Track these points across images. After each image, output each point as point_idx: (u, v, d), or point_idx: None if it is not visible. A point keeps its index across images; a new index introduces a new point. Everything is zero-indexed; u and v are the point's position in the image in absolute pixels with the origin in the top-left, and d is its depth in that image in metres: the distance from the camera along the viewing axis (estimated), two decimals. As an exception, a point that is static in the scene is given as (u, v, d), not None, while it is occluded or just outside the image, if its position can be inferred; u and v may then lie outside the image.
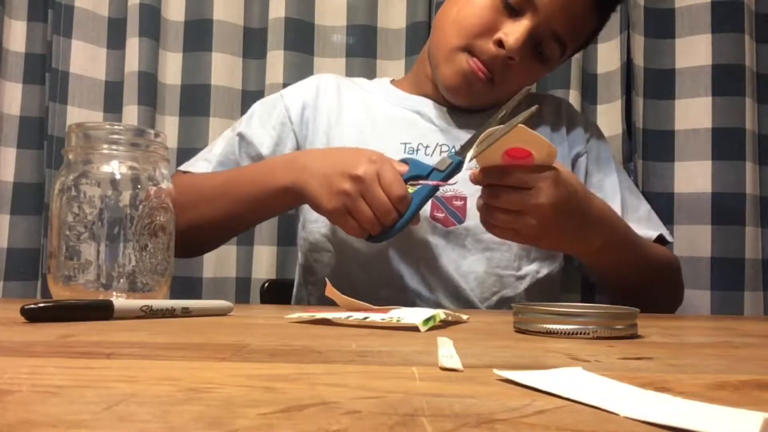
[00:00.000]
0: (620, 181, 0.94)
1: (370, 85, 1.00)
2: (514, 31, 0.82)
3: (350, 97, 0.96)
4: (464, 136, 0.91)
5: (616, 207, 0.90)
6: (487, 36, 0.83)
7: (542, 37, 0.84)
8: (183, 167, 0.95)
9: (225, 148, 0.93)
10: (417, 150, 0.90)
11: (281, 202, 0.83)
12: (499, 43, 0.83)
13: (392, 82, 1.01)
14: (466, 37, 0.84)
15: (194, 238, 0.84)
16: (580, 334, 0.46)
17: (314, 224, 0.90)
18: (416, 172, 0.74)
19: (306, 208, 0.92)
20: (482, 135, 0.67)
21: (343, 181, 0.72)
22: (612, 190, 0.93)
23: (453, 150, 0.89)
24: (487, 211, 0.72)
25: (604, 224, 0.77)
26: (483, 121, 0.93)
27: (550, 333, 0.46)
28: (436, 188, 0.74)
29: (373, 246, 0.86)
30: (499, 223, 0.72)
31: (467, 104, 0.91)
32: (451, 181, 0.74)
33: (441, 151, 0.89)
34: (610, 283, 0.90)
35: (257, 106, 0.97)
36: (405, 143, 0.89)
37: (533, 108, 0.71)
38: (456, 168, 0.73)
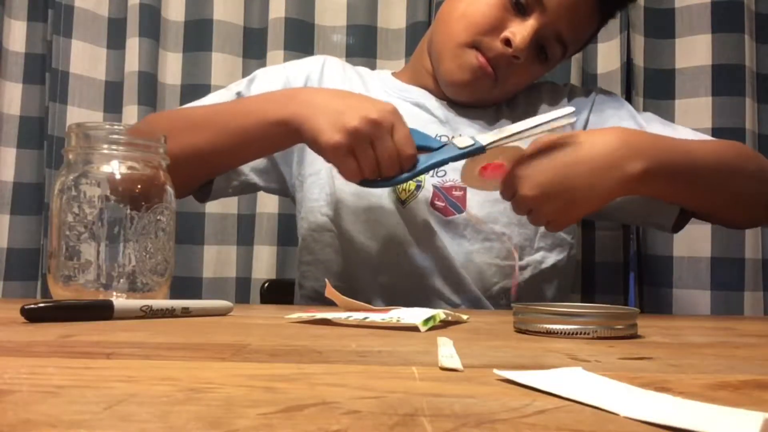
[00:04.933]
0: (646, 118, 0.91)
1: (370, 75, 1.00)
2: (521, 30, 0.82)
3: (354, 81, 0.96)
4: (464, 128, 0.90)
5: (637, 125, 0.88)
6: (494, 34, 0.84)
7: (546, 37, 0.85)
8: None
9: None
10: None
11: (273, 138, 0.76)
12: (507, 42, 0.83)
13: (393, 74, 1.01)
14: (474, 33, 0.84)
15: (172, 172, 0.74)
16: (580, 334, 0.46)
17: (315, 203, 0.89)
18: (419, 143, 0.72)
19: (306, 185, 0.91)
20: (510, 128, 0.69)
21: (355, 120, 0.68)
22: (625, 121, 0.90)
23: (446, 138, 0.90)
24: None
25: (629, 147, 0.72)
26: (481, 114, 0.93)
27: (550, 333, 0.46)
28: (444, 162, 0.72)
29: (375, 231, 0.86)
30: (537, 225, 0.76)
31: (468, 101, 0.91)
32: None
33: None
34: (695, 204, 0.83)
35: (259, 72, 0.96)
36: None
37: (569, 109, 0.72)
38: (474, 151, 0.71)
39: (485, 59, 0.85)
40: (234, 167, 0.88)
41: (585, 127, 0.94)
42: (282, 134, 0.75)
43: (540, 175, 0.70)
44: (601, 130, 0.78)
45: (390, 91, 0.95)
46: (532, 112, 0.93)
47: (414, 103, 0.93)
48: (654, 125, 0.90)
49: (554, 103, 0.95)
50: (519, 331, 0.49)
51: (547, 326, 0.46)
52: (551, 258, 0.89)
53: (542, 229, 0.88)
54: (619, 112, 0.93)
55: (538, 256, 0.88)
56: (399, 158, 0.70)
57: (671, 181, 0.75)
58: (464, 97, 0.91)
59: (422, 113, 0.92)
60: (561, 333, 0.46)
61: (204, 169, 0.84)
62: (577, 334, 0.46)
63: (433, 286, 0.85)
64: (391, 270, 0.86)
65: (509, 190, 0.72)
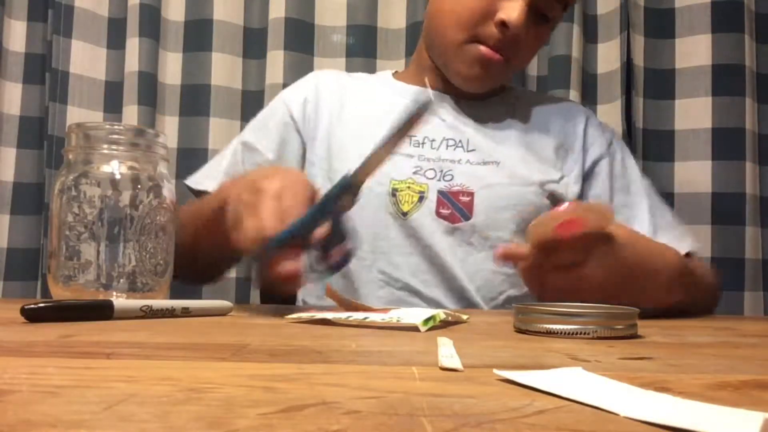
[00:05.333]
0: (645, 188, 0.92)
1: (370, 79, 0.99)
2: (513, 8, 0.81)
3: (351, 92, 0.95)
4: (469, 130, 0.90)
5: (644, 211, 0.89)
6: (487, 20, 0.83)
7: (540, 2, 0.84)
8: (189, 182, 0.91)
9: (230, 160, 0.91)
10: (423, 143, 0.88)
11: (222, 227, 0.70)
12: (503, 24, 0.82)
13: (395, 74, 1.00)
14: (468, 28, 0.84)
15: (184, 268, 0.74)
16: (580, 334, 0.46)
17: None
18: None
19: None
20: (371, 154, 0.57)
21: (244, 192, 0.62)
22: (639, 195, 0.91)
23: (452, 142, 0.89)
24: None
25: (680, 280, 0.72)
26: (491, 115, 0.92)
27: (550, 333, 0.46)
28: (313, 218, 0.57)
29: (375, 245, 0.85)
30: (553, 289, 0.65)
31: (484, 89, 0.91)
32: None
33: (447, 145, 0.88)
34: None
35: (260, 114, 0.97)
36: (410, 136, 0.88)
37: (427, 93, 0.68)
38: (343, 185, 0.58)
39: (489, 47, 0.84)
40: (221, 260, 0.87)
41: (594, 166, 0.92)
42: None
43: (608, 264, 0.63)
44: (667, 247, 0.76)
45: (395, 94, 0.94)
46: (544, 123, 0.93)
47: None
48: (653, 198, 0.91)
49: (571, 131, 0.94)
50: (519, 331, 0.49)
51: (547, 326, 0.46)
52: None
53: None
54: (628, 174, 0.93)
55: None
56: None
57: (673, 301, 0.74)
58: (480, 89, 0.90)
59: (431, 117, 0.91)
60: (561, 333, 0.46)
61: (198, 264, 0.83)
62: (577, 334, 0.46)
63: (434, 298, 0.84)
64: (391, 282, 0.85)
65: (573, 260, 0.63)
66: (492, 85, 0.91)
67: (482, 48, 0.84)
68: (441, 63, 0.91)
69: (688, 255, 0.87)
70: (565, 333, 0.46)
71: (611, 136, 0.96)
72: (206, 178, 0.90)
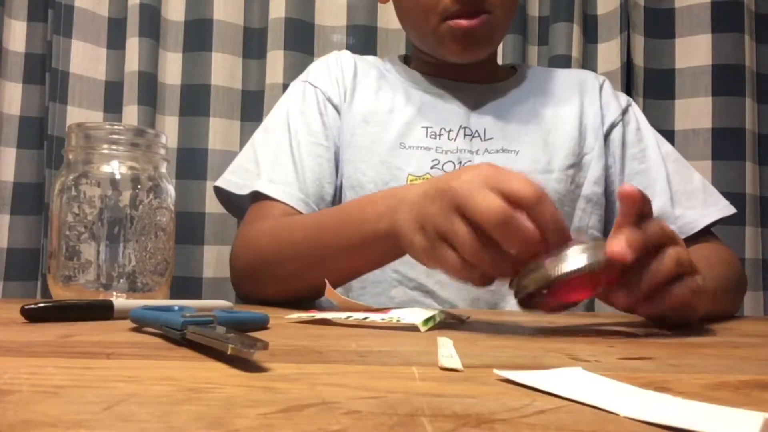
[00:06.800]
0: (665, 154, 0.90)
1: (384, 66, 0.96)
2: None
3: (367, 78, 0.93)
4: (486, 117, 0.87)
5: (661, 178, 0.87)
6: None
7: None
8: (233, 189, 0.84)
9: (285, 156, 0.84)
10: (440, 135, 0.86)
11: (378, 251, 0.64)
12: None
13: (405, 60, 0.97)
14: (430, 11, 0.82)
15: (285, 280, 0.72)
16: (576, 273, 0.45)
17: None
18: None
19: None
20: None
21: (435, 200, 0.51)
22: (656, 162, 0.89)
23: (469, 131, 0.86)
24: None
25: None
26: (503, 96, 0.89)
27: (549, 283, 0.45)
28: None
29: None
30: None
31: (483, 54, 0.88)
32: None
33: (465, 135, 0.86)
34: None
35: (291, 104, 0.90)
36: (427, 127, 0.86)
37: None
38: None
39: (460, 19, 0.81)
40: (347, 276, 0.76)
41: (609, 131, 0.91)
42: (384, 246, 0.62)
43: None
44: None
45: (401, 82, 0.92)
46: (561, 100, 0.91)
47: (432, 94, 0.90)
48: (671, 164, 0.89)
49: (588, 95, 0.92)
50: (522, 302, 0.48)
51: (546, 275, 0.45)
52: None
53: (575, 224, 0.86)
54: (645, 140, 0.91)
55: None
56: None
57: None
58: (479, 55, 0.87)
59: (442, 103, 0.89)
60: (562, 276, 0.45)
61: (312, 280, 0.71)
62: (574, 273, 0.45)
63: (448, 299, 0.81)
64: (406, 283, 0.82)
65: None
66: (489, 47, 0.88)
67: (452, 23, 0.82)
68: (428, 50, 0.89)
69: (710, 234, 0.85)
70: (562, 275, 0.45)
71: (627, 103, 0.94)
72: (274, 183, 0.82)
